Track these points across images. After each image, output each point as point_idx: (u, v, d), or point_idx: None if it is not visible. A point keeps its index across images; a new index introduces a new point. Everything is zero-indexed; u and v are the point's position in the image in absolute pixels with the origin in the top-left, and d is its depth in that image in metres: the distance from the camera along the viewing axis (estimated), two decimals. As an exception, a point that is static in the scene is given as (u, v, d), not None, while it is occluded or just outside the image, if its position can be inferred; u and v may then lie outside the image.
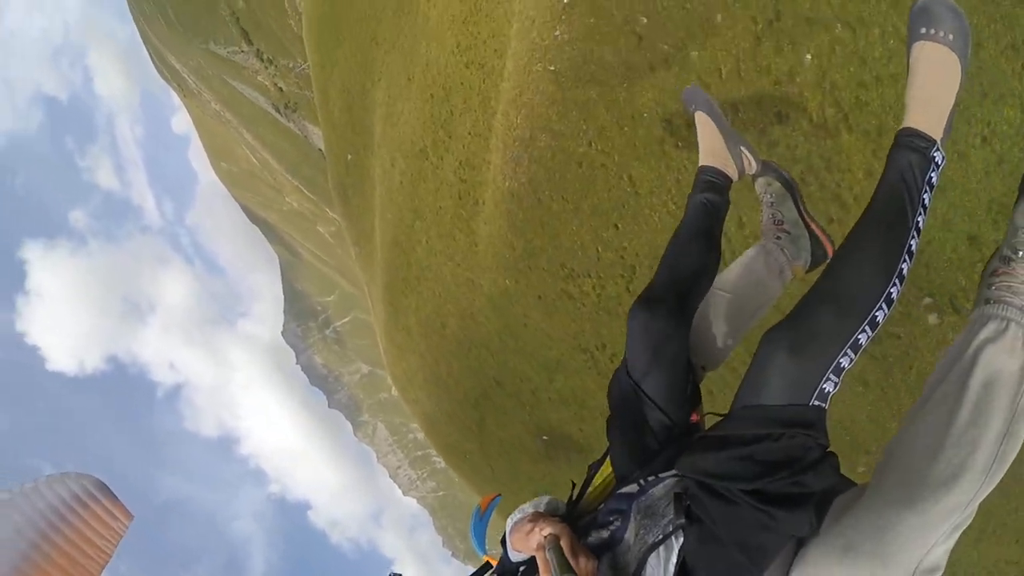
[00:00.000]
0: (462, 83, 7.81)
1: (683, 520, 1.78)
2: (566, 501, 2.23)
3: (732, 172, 2.57)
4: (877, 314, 1.72)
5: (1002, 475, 1.68)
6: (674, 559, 1.75)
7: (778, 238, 2.62)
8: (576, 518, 2.11)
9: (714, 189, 2.49)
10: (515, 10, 6.24)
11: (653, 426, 2.04)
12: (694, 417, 2.16)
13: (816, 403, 1.67)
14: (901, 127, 1.91)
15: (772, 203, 2.68)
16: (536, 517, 1.99)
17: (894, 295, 1.75)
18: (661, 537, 1.78)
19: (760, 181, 2.73)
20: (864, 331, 1.71)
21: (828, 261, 2.02)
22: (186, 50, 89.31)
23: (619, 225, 5.59)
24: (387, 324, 14.17)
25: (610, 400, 2.19)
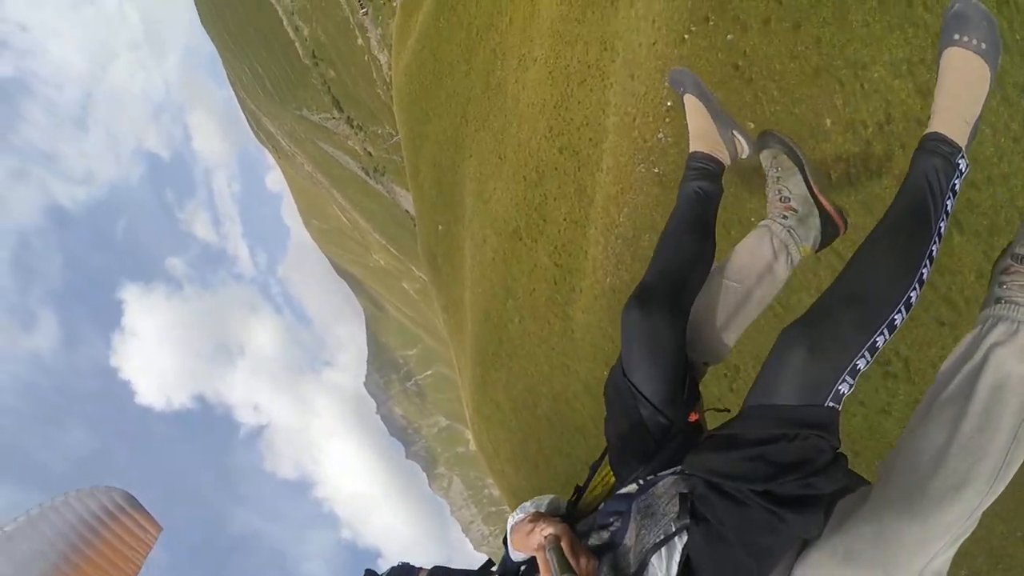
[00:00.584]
0: (556, 168, 7.78)
1: (688, 520, 1.72)
2: (567, 501, 2.18)
3: (724, 157, 2.46)
4: (896, 317, 1.68)
5: (1007, 482, 1.63)
6: (677, 559, 1.70)
7: (784, 217, 2.39)
8: (576, 518, 2.06)
9: (706, 176, 2.38)
10: (610, 101, 6.18)
11: (649, 425, 1.98)
12: (693, 416, 2.08)
13: (831, 404, 1.62)
14: (927, 132, 1.87)
15: (778, 178, 2.44)
16: (536, 517, 1.93)
17: (913, 299, 1.71)
18: (663, 537, 1.73)
19: (765, 154, 2.47)
20: (883, 334, 1.67)
21: (850, 260, 1.83)
22: (281, 115, 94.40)
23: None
24: (475, 394, 14.09)
25: (606, 399, 2.13)
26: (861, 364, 1.64)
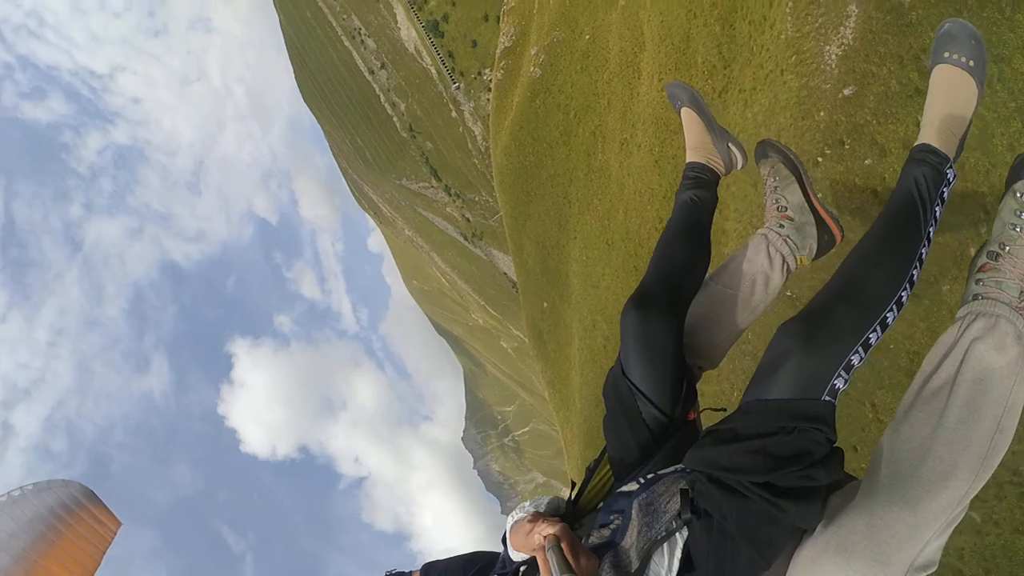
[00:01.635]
0: (671, 262, 7.58)
1: (689, 515, 1.71)
2: (566, 501, 2.16)
3: (719, 167, 2.49)
4: (888, 316, 1.73)
5: (993, 470, 1.64)
6: (678, 554, 1.70)
7: (781, 226, 2.39)
8: (576, 518, 2.07)
9: (701, 185, 2.41)
10: (728, 204, 6.00)
11: (649, 424, 1.98)
12: (691, 415, 2.06)
13: (827, 399, 1.64)
14: (917, 143, 1.94)
15: (776, 187, 2.45)
16: (536, 517, 1.91)
17: (904, 299, 1.76)
18: (665, 533, 1.72)
19: (764, 163, 2.49)
20: (875, 331, 1.70)
21: (844, 262, 1.86)
22: (381, 184, 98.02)
23: (858, 448, 5.06)
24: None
25: (606, 399, 2.11)
26: (855, 360, 1.68)
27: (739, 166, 2.57)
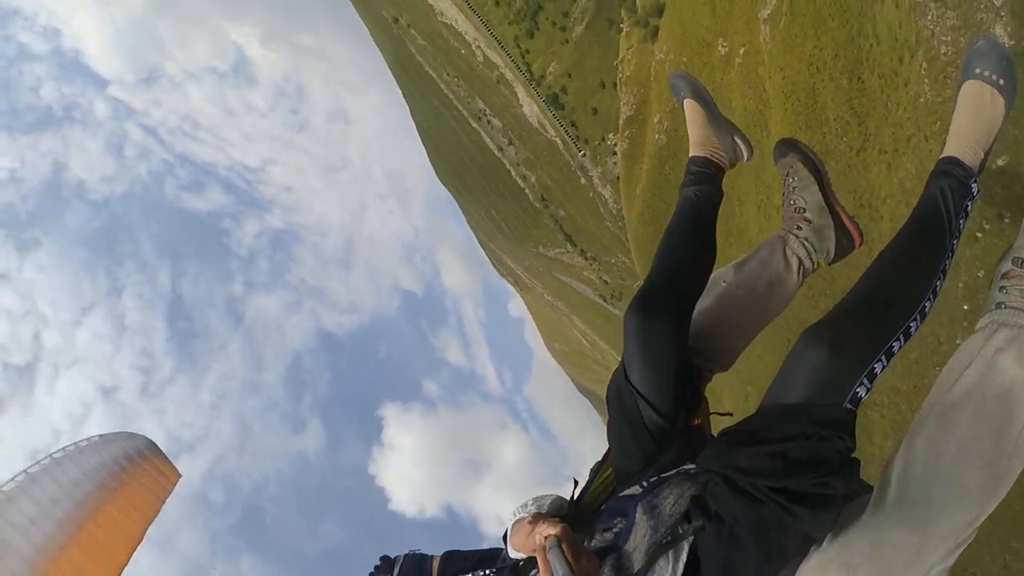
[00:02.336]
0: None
1: (701, 521, 1.66)
2: (568, 501, 2.13)
3: (723, 161, 2.41)
4: (911, 325, 1.69)
5: (1007, 491, 1.55)
6: (683, 557, 1.65)
7: (798, 228, 2.33)
8: (578, 519, 2.02)
9: (704, 180, 2.33)
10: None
11: (651, 428, 1.93)
12: (696, 420, 2.02)
13: (848, 406, 1.60)
14: (943, 155, 1.92)
15: (794, 188, 2.37)
16: (537, 518, 1.88)
17: (927, 309, 1.72)
18: (671, 537, 1.67)
19: (782, 163, 2.41)
20: (899, 339, 1.66)
21: (868, 270, 1.81)
22: (518, 253, 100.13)
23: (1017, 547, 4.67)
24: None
25: (608, 403, 2.06)
26: (879, 368, 1.64)
27: (744, 159, 2.49)
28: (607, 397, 2.08)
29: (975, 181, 1.88)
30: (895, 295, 1.73)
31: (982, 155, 1.91)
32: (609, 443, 2.12)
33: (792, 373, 1.66)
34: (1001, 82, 1.93)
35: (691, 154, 2.42)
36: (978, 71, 1.95)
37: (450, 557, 2.40)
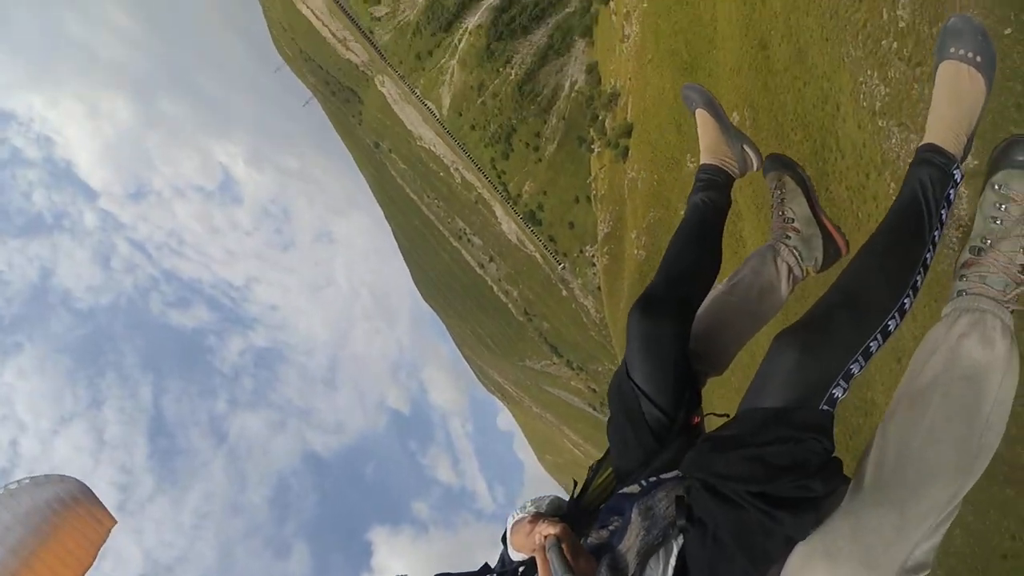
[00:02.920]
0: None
1: (684, 522, 1.64)
2: (568, 500, 2.12)
3: (733, 170, 2.40)
4: (890, 323, 1.66)
5: (984, 467, 1.58)
6: (672, 561, 1.63)
7: (788, 237, 2.38)
8: (577, 518, 2.01)
9: (714, 187, 2.33)
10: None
11: (652, 427, 1.92)
12: (695, 420, 2.00)
13: (825, 408, 1.59)
14: (922, 143, 1.85)
15: (782, 200, 2.42)
16: (536, 518, 1.87)
17: (907, 306, 1.69)
18: (661, 539, 1.66)
19: (770, 176, 2.47)
20: (876, 339, 1.64)
21: (845, 268, 1.79)
22: (504, 367, 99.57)
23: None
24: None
25: (610, 401, 2.06)
26: (855, 369, 1.62)
27: (754, 168, 2.52)
28: (608, 395, 2.09)
29: (958, 168, 1.82)
30: (871, 294, 1.70)
31: (965, 139, 1.85)
32: (609, 441, 2.11)
33: (767, 377, 1.64)
34: (979, 59, 1.84)
35: (702, 161, 2.44)
36: (952, 50, 1.86)
37: None
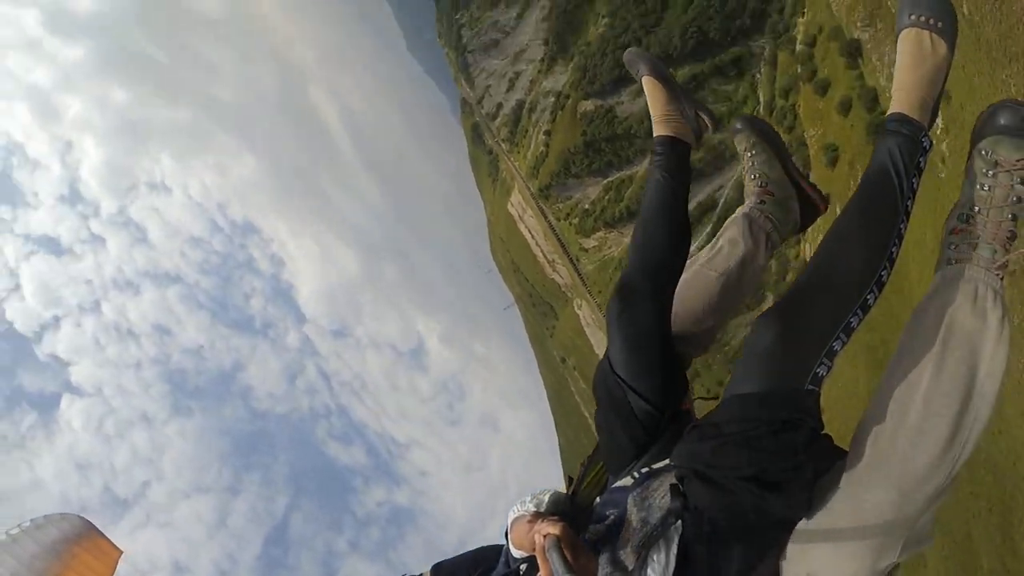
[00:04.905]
0: None
1: (681, 511, 1.62)
2: (567, 495, 2.09)
3: (689, 137, 2.27)
4: (868, 297, 1.64)
5: (978, 437, 1.55)
6: (674, 550, 1.61)
7: (762, 202, 2.27)
8: (576, 514, 1.98)
9: (672, 161, 2.20)
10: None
11: (640, 417, 1.86)
12: (685, 405, 1.95)
13: (810, 387, 1.57)
14: (888, 112, 1.82)
15: (754, 163, 2.29)
16: (536, 517, 1.85)
17: (884, 278, 1.67)
18: (661, 529, 1.64)
19: (739, 138, 2.31)
20: (856, 314, 1.62)
21: (820, 244, 1.72)
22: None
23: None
24: None
25: (595, 395, 2.00)
26: (837, 346, 1.60)
27: (710, 131, 2.36)
28: (593, 389, 2.02)
29: (925, 135, 1.76)
30: (847, 269, 1.66)
31: (930, 105, 1.79)
32: (598, 435, 2.06)
33: (750, 361, 1.61)
34: (939, 24, 1.77)
35: (656, 134, 2.29)
36: (912, 17, 1.79)
37: (439, 569, 2.34)
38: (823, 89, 35.65)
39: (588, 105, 71.11)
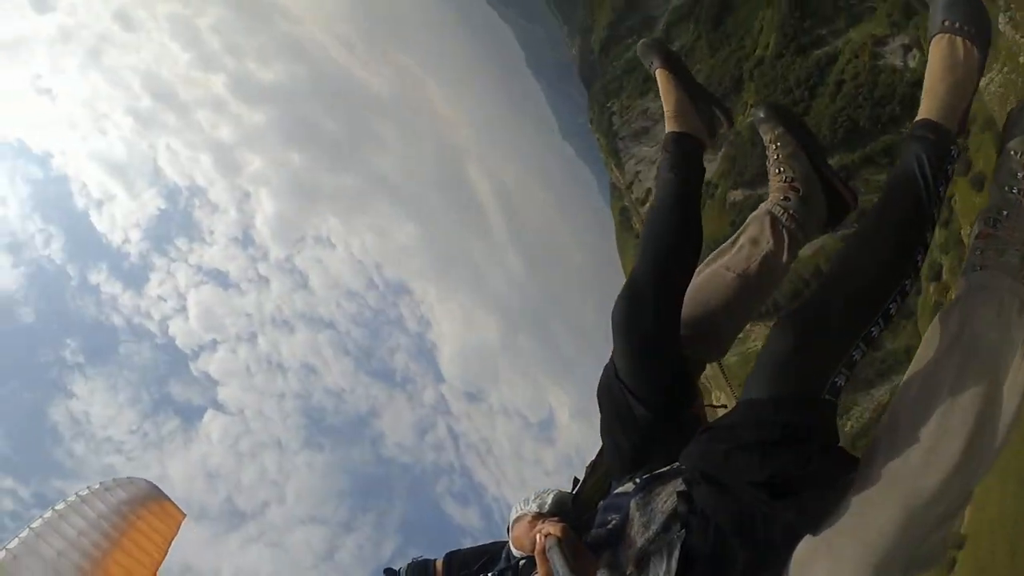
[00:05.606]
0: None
1: (687, 515, 1.60)
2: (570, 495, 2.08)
3: (702, 134, 2.20)
4: (891, 307, 1.59)
5: (995, 457, 1.49)
6: (676, 554, 1.57)
7: (786, 199, 2.14)
8: (578, 515, 1.99)
9: (684, 158, 2.13)
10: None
11: (642, 423, 1.86)
12: (694, 410, 1.95)
13: (828, 397, 1.53)
14: (917, 118, 1.76)
15: (780, 156, 2.15)
16: (537, 517, 1.90)
17: (908, 288, 1.61)
18: (663, 533, 1.61)
19: (764, 129, 2.16)
20: (878, 324, 1.57)
21: (841, 250, 1.68)
22: None
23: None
24: None
25: (599, 401, 1.98)
26: (857, 355, 1.55)
27: (725, 128, 2.30)
28: (598, 395, 1.99)
29: (954, 142, 1.71)
30: (870, 278, 1.61)
31: (960, 113, 1.74)
32: (602, 440, 2.04)
33: (768, 366, 1.58)
34: (972, 30, 1.74)
35: (668, 130, 2.23)
36: (946, 23, 1.76)
37: (452, 559, 2.30)
38: (979, 184, 32.69)
39: (737, 195, 70.03)
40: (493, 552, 2.31)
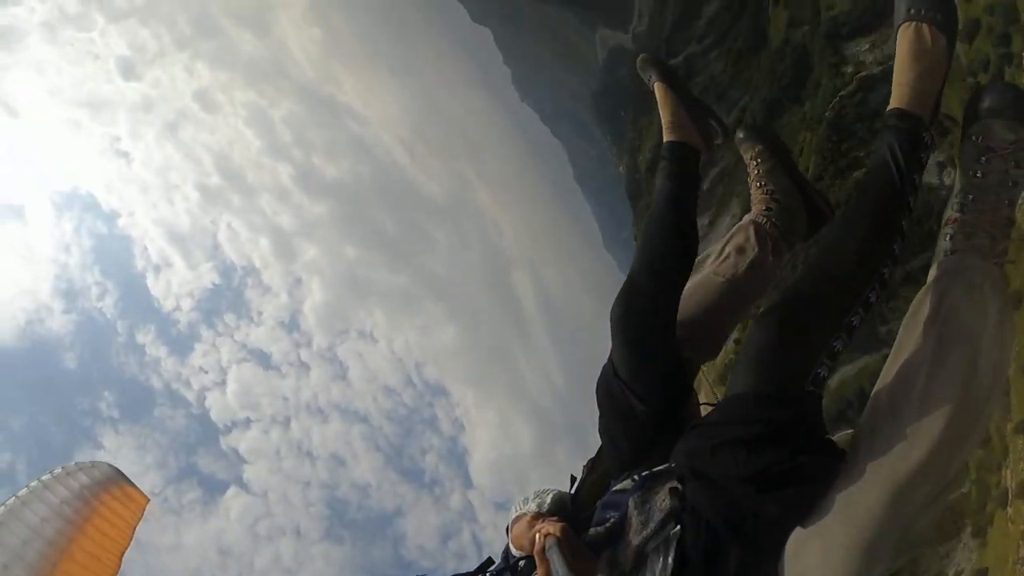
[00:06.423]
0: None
1: (681, 512, 1.59)
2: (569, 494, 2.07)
3: (698, 144, 2.26)
4: (870, 295, 1.59)
5: (980, 435, 1.51)
6: (672, 551, 1.57)
7: (768, 209, 2.25)
8: (577, 515, 1.95)
9: (680, 167, 2.20)
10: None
11: (641, 421, 1.86)
12: (689, 409, 1.93)
13: (811, 388, 1.54)
14: (889, 108, 1.75)
15: (760, 171, 2.28)
16: (536, 517, 1.85)
17: (886, 275, 1.61)
18: (660, 531, 1.60)
19: (747, 147, 2.31)
20: (857, 313, 1.58)
21: (819, 241, 1.73)
22: None
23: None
24: None
25: (598, 399, 1.99)
26: (838, 345, 1.57)
27: (719, 140, 2.37)
28: (597, 394, 2.00)
29: (927, 130, 1.71)
30: (848, 268, 1.61)
31: (931, 100, 1.74)
32: (600, 438, 2.04)
33: (750, 362, 1.58)
34: (938, 16, 1.73)
35: (665, 139, 2.28)
36: (912, 11, 1.75)
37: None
38: (1016, 300, 31.64)
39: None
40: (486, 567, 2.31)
